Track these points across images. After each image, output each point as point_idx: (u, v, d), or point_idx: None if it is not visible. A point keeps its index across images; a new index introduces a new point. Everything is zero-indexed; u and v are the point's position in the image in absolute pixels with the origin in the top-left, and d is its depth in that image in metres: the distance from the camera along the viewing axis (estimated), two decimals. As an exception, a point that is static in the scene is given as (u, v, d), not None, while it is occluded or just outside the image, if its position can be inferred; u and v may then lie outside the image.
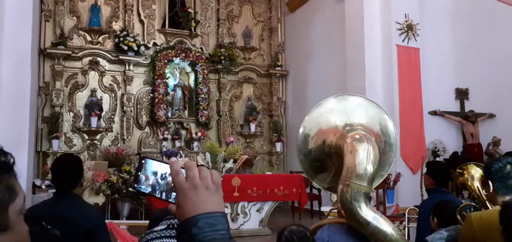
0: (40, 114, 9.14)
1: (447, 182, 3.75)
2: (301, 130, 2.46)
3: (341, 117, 2.40)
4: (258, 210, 7.45)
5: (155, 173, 0.96)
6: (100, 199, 7.56)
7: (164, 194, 0.96)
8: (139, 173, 0.96)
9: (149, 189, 0.96)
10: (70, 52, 9.41)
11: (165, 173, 0.95)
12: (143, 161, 0.97)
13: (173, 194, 0.93)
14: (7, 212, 0.80)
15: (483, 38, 9.03)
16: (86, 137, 9.64)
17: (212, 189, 0.88)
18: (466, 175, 2.81)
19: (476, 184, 2.65)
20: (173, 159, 0.93)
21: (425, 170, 4.12)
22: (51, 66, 9.36)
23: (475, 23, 9.08)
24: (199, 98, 10.38)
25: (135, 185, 0.97)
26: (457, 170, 2.96)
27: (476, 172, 2.69)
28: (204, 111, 10.39)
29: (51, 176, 2.75)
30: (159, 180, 0.96)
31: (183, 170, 0.89)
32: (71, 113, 9.57)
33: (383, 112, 2.52)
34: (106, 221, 4.33)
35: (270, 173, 9.27)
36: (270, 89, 11.57)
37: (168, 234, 1.45)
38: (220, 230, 0.84)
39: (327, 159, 2.43)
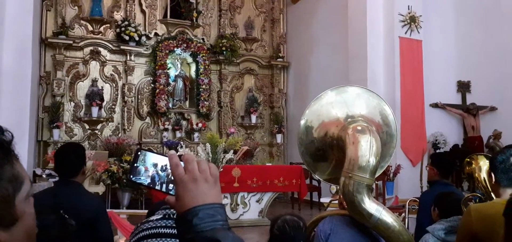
0: (41, 104, 9.13)
1: (451, 174, 3.75)
2: (302, 122, 2.46)
3: (342, 109, 2.40)
4: (257, 201, 7.47)
5: (155, 165, 0.96)
6: (100, 189, 7.58)
7: (164, 186, 0.95)
8: (136, 165, 0.96)
9: (148, 181, 0.96)
10: (71, 42, 9.38)
11: (165, 165, 0.95)
12: (139, 153, 0.97)
13: (171, 186, 0.93)
14: (14, 205, 0.76)
15: (486, 31, 8.99)
16: (87, 126, 9.65)
17: (211, 182, 0.90)
18: (474, 165, 2.81)
19: (483, 175, 2.64)
20: (171, 152, 0.94)
21: (428, 162, 4.11)
22: (52, 56, 9.33)
23: (478, 16, 9.04)
24: (200, 89, 10.36)
25: (131, 177, 0.96)
26: (466, 159, 2.95)
27: (484, 163, 2.69)
28: (205, 102, 10.38)
29: (55, 163, 2.77)
30: (159, 172, 0.96)
31: (181, 163, 0.90)
32: (72, 102, 9.57)
33: (383, 101, 2.52)
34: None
35: (270, 164, 9.29)
36: (271, 81, 11.54)
37: (163, 224, 1.43)
38: (220, 220, 0.86)
39: (329, 150, 2.43)
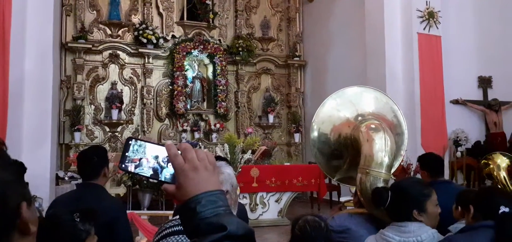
0: (62, 107, 9.32)
1: (442, 171, 3.59)
2: (314, 127, 2.47)
3: (349, 109, 2.40)
4: (276, 201, 7.47)
5: (156, 157, 0.95)
6: (121, 190, 7.71)
7: (166, 176, 0.94)
8: (126, 153, 0.95)
9: (150, 172, 0.95)
10: (90, 46, 9.54)
11: (167, 157, 0.94)
12: (130, 142, 0.96)
13: (169, 175, 0.93)
14: (29, 192, 0.83)
15: (507, 24, 8.79)
16: (107, 129, 9.80)
17: (210, 169, 0.92)
18: (491, 165, 2.74)
19: (503, 174, 2.58)
20: (168, 142, 0.95)
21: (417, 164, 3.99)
22: (73, 60, 9.52)
23: (498, 9, 8.85)
24: (218, 90, 10.41)
25: (121, 165, 0.95)
26: (482, 161, 2.88)
27: (502, 161, 2.62)
28: (223, 103, 10.42)
29: (77, 166, 2.85)
30: (162, 163, 0.95)
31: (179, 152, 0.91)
32: (92, 105, 9.73)
33: (388, 98, 2.51)
34: (127, 211, 4.41)
35: (288, 164, 9.28)
36: (288, 80, 11.52)
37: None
38: (222, 206, 0.88)
39: (344, 150, 2.42)
